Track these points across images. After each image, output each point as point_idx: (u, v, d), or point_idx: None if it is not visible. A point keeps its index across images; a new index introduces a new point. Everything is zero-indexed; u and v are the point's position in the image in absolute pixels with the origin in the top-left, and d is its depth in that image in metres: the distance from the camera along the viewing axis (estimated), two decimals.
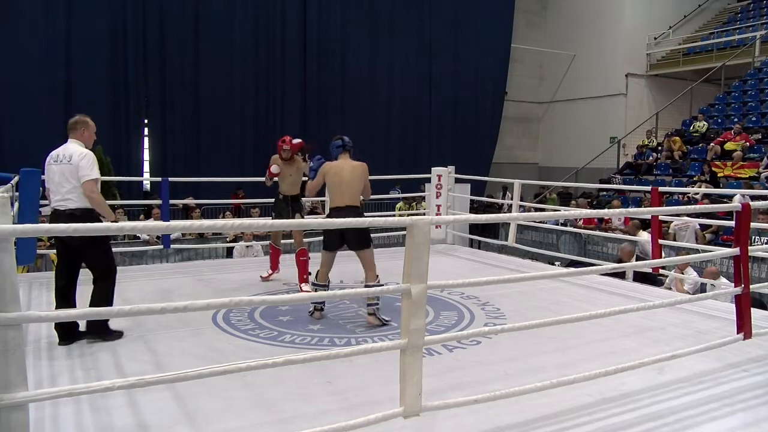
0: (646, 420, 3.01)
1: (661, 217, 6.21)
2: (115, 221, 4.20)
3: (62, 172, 4.06)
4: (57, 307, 4.08)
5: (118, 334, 4.16)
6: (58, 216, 4.08)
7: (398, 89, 18.40)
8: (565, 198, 15.05)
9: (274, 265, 6.22)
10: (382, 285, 4.55)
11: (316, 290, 4.80)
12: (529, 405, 3.04)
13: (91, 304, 4.06)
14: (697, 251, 6.55)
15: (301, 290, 5.55)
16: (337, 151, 4.85)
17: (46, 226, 2.62)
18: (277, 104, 16.69)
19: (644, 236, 7.87)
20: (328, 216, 5.00)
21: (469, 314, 5.01)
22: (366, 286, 4.61)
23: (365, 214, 4.88)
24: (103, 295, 4.11)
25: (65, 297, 4.16)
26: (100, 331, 4.11)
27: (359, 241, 4.64)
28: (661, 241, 6.00)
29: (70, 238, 3.95)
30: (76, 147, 4.12)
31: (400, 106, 18.44)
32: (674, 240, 8.78)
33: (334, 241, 4.74)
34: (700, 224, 8.95)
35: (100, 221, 4.11)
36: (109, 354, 3.88)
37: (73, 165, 4.03)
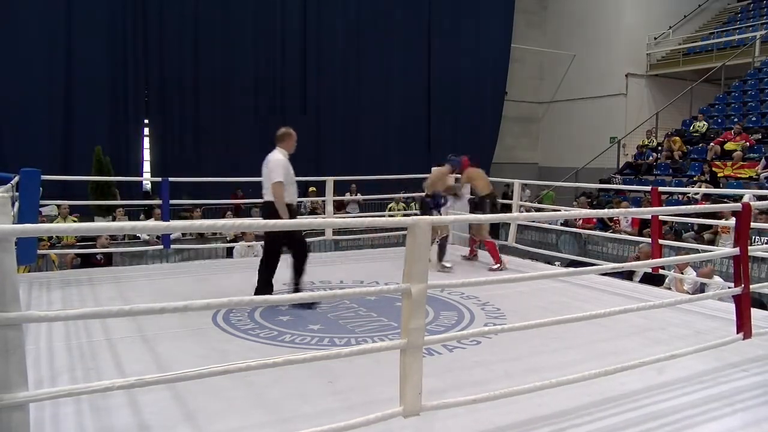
0: (646, 420, 3.01)
1: (661, 217, 6.20)
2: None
3: (266, 173, 5.20)
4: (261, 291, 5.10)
5: (316, 305, 4.99)
6: (263, 206, 5.32)
7: (398, 89, 18.37)
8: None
9: (497, 258, 7.13)
10: None
11: None
12: (529, 405, 3.04)
13: (295, 274, 5.20)
14: (697, 251, 6.55)
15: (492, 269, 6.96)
16: None
17: (47, 226, 2.63)
18: (278, 104, 16.68)
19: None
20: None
21: (469, 314, 5.01)
22: None
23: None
24: (298, 266, 5.20)
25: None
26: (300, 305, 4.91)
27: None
28: (661, 241, 6.00)
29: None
30: (277, 155, 5.21)
31: (400, 105, 18.41)
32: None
33: None
34: (700, 224, 8.92)
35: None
36: (109, 354, 3.88)
37: (269, 169, 5.14)
